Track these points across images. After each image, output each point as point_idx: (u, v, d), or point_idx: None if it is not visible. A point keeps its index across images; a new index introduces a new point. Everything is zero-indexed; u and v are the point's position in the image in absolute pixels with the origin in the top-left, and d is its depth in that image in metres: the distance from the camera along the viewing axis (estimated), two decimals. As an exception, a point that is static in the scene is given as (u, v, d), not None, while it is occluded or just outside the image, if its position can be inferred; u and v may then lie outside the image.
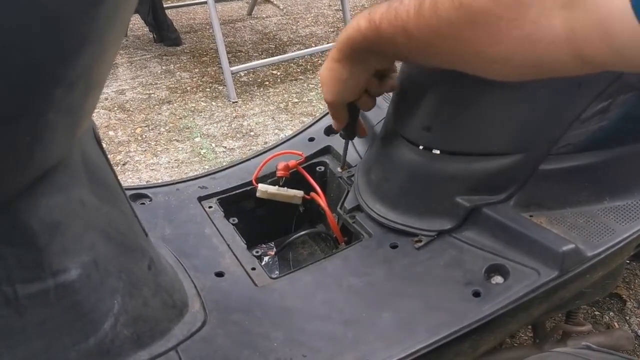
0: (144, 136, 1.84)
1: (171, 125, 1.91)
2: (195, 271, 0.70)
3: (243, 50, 2.58)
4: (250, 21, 3.00)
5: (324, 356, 0.59)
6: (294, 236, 0.86)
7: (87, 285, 0.50)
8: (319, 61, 2.45)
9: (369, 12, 0.61)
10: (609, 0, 0.39)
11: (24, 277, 0.46)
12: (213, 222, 0.80)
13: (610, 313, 1.12)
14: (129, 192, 0.82)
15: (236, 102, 2.06)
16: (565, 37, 0.44)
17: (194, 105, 2.05)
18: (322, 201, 0.84)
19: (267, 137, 1.82)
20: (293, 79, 2.27)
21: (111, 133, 1.86)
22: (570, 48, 0.44)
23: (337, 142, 0.94)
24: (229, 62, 2.09)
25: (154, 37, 2.68)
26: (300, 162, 0.90)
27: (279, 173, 0.87)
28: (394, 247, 0.73)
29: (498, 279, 0.65)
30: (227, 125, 1.90)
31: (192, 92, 2.15)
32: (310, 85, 2.21)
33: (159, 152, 1.74)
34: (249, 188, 0.88)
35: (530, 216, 0.68)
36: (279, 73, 2.34)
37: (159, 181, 1.47)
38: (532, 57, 0.47)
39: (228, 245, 0.76)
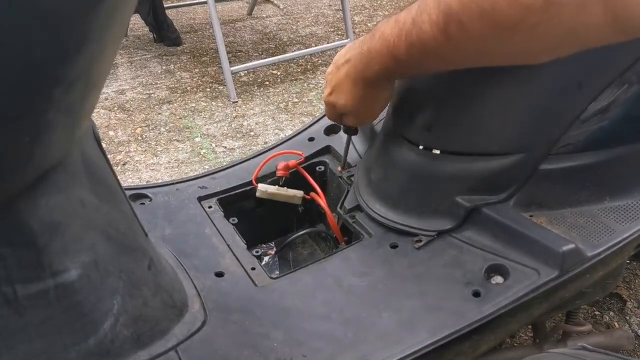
0: (144, 136, 1.84)
1: (171, 125, 1.91)
2: (195, 271, 0.70)
3: (243, 50, 2.58)
4: (250, 21, 3.00)
5: (324, 356, 0.59)
6: (294, 236, 0.86)
7: (87, 285, 0.50)
8: (319, 61, 2.45)
9: (388, 51, 0.61)
10: None
11: (24, 277, 0.46)
12: (213, 222, 0.80)
13: (611, 313, 1.12)
14: (129, 192, 0.82)
15: (236, 102, 2.06)
16: (607, 20, 0.43)
17: (194, 105, 2.05)
18: (322, 201, 0.84)
19: (267, 137, 1.82)
20: (293, 78, 2.27)
21: (111, 133, 1.86)
22: (613, 28, 0.44)
23: (337, 142, 0.94)
24: (229, 62, 2.09)
25: (154, 37, 2.68)
26: (300, 162, 0.90)
27: (279, 173, 0.87)
28: (394, 247, 0.73)
29: (498, 279, 0.65)
30: (227, 125, 1.90)
31: (192, 92, 2.15)
32: (310, 85, 2.21)
33: (159, 152, 1.74)
34: (248, 188, 0.88)
35: (531, 216, 0.68)
36: (279, 73, 2.34)
37: (159, 181, 1.47)
38: (578, 43, 0.48)
39: (228, 245, 0.76)
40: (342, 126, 0.83)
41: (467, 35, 0.52)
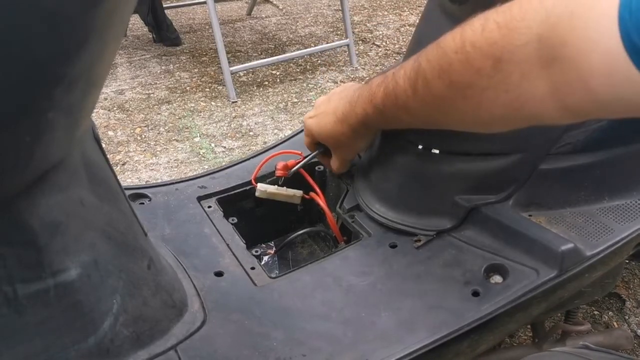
0: (143, 136, 1.84)
1: (170, 125, 1.91)
2: (194, 271, 0.70)
3: (242, 50, 2.58)
4: (250, 21, 3.01)
5: (323, 356, 0.59)
6: (294, 235, 0.86)
7: (87, 285, 0.50)
8: (319, 61, 2.45)
9: (369, 97, 0.66)
10: (588, 57, 0.40)
11: (24, 276, 0.46)
12: (212, 222, 0.80)
13: (610, 312, 1.12)
14: (128, 192, 0.82)
15: (235, 102, 2.06)
16: (550, 93, 0.45)
17: (193, 105, 2.05)
18: (321, 201, 0.84)
19: (267, 137, 1.82)
20: (292, 78, 2.27)
21: (110, 133, 1.86)
22: (556, 103, 0.46)
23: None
24: (229, 62, 2.09)
25: (153, 37, 2.68)
26: (299, 161, 0.90)
27: (278, 173, 0.87)
28: (393, 246, 0.73)
29: (497, 279, 0.65)
30: (226, 125, 1.90)
31: (191, 92, 2.15)
32: (309, 85, 2.21)
33: (158, 152, 1.74)
34: (248, 188, 0.88)
35: (530, 216, 0.68)
36: (278, 73, 2.34)
37: (159, 181, 1.47)
38: (523, 114, 0.50)
39: (227, 245, 0.76)
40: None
41: (430, 91, 0.56)
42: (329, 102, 0.77)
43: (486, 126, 0.57)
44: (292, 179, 0.88)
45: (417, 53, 0.58)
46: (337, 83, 2.22)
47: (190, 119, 1.95)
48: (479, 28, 0.49)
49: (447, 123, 0.61)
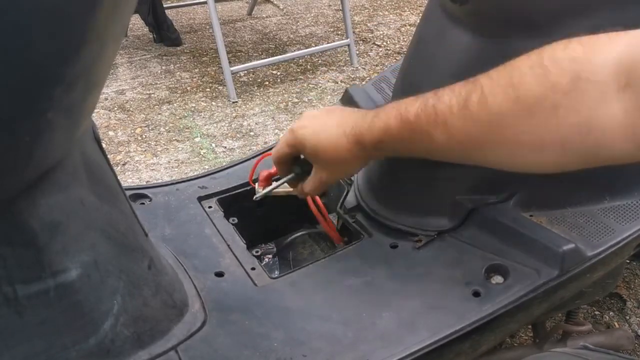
0: (144, 136, 1.84)
1: (171, 125, 1.91)
2: (195, 271, 0.70)
3: (243, 50, 2.58)
4: (250, 21, 3.01)
5: (324, 356, 0.59)
6: (294, 236, 0.86)
7: (87, 285, 0.50)
8: (319, 61, 2.45)
9: (398, 111, 0.58)
10: None
11: (24, 277, 0.46)
12: (213, 222, 0.80)
13: (610, 313, 1.12)
14: (129, 192, 0.82)
15: (236, 102, 2.06)
16: (622, 121, 0.42)
17: (194, 105, 2.05)
18: (313, 206, 0.82)
19: (267, 137, 1.82)
20: (293, 78, 2.27)
21: (111, 133, 1.86)
22: (625, 133, 0.42)
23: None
24: (229, 62, 2.09)
25: (153, 37, 2.68)
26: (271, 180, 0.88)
27: (261, 184, 0.85)
28: (394, 247, 0.73)
29: (498, 279, 0.65)
30: (227, 125, 1.90)
31: (192, 92, 2.15)
32: (310, 85, 2.21)
33: (159, 152, 1.74)
34: (248, 188, 0.88)
35: (531, 216, 0.68)
36: (278, 73, 2.34)
37: (159, 181, 1.47)
38: (588, 142, 0.45)
39: (228, 245, 0.76)
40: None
41: (486, 106, 0.50)
42: (328, 115, 0.66)
43: (540, 154, 0.50)
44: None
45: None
46: (337, 83, 2.22)
47: (191, 119, 1.95)
48: (560, 46, 0.46)
49: (491, 149, 0.53)
